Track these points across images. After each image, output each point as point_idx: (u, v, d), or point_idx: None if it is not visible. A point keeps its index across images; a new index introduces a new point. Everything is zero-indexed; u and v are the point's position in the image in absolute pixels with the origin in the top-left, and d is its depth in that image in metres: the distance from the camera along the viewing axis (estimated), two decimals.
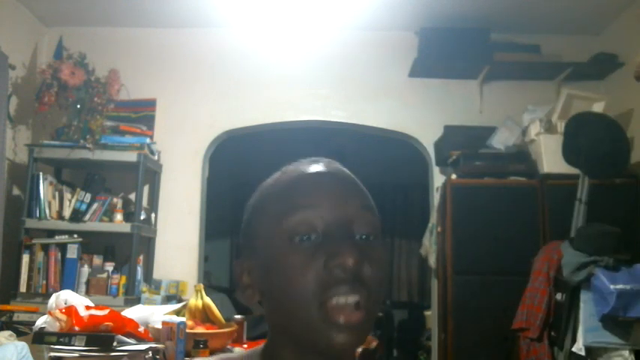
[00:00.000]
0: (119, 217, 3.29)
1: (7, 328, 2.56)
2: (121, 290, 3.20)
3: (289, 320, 0.65)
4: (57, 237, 3.27)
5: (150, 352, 2.02)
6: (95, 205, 3.27)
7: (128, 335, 2.12)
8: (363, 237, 0.67)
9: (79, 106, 3.30)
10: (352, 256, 0.63)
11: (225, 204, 5.94)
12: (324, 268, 0.64)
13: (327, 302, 0.63)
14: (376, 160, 5.72)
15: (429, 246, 3.40)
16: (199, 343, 2.05)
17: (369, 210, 0.69)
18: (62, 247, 3.26)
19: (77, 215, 3.24)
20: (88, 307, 2.18)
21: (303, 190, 0.67)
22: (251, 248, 0.71)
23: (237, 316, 2.55)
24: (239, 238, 0.75)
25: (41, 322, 2.20)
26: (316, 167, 0.71)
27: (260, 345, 0.74)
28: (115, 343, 2.03)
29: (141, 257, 3.40)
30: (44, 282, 3.18)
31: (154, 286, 3.40)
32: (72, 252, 3.25)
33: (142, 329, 2.19)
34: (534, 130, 3.25)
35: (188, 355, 2.04)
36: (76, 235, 3.25)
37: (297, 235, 0.65)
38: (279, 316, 0.68)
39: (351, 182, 0.72)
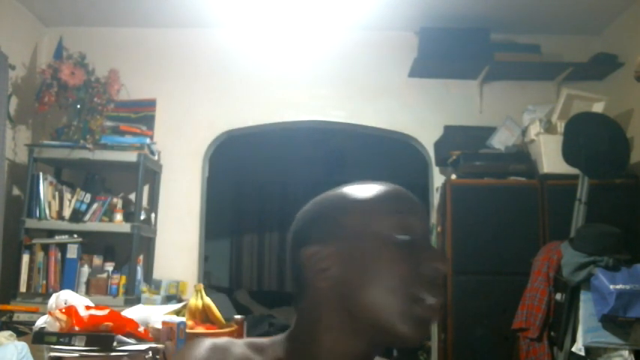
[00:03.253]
0: (119, 217, 3.29)
1: (7, 328, 2.56)
2: (121, 290, 3.21)
3: (371, 309, 0.71)
4: (57, 237, 3.27)
5: (150, 352, 2.02)
6: (95, 205, 3.27)
7: (128, 335, 2.11)
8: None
9: (79, 106, 3.30)
10: (445, 264, 0.73)
11: (225, 204, 5.94)
12: (421, 267, 0.72)
13: (420, 299, 0.71)
14: (376, 160, 5.72)
15: None
16: None
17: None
18: (62, 247, 3.26)
19: (77, 215, 3.24)
20: (88, 307, 2.18)
21: (401, 198, 0.77)
22: (333, 237, 0.75)
23: (237, 316, 2.54)
24: (309, 228, 0.78)
25: (41, 322, 2.19)
26: (397, 187, 0.80)
27: (282, 335, 0.78)
28: (115, 343, 2.03)
29: (141, 257, 3.40)
30: (44, 282, 3.18)
31: (154, 286, 3.40)
32: (72, 252, 3.25)
33: (142, 329, 2.19)
34: (534, 130, 3.25)
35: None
36: (76, 235, 3.25)
37: (399, 233, 0.73)
38: (354, 304, 0.72)
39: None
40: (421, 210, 0.77)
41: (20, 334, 2.48)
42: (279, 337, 0.78)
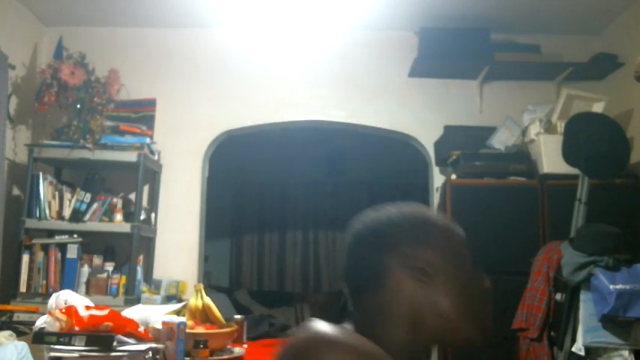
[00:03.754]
0: (119, 217, 3.29)
1: (7, 328, 2.56)
2: (121, 290, 3.21)
3: (455, 315, 0.82)
4: (57, 237, 3.27)
5: (150, 352, 2.02)
6: (95, 205, 3.27)
7: (128, 335, 2.11)
8: None
9: (79, 106, 3.30)
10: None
11: (225, 204, 5.94)
12: (485, 289, 0.89)
13: (489, 313, 0.87)
14: (376, 160, 5.72)
15: None
16: (199, 343, 2.05)
17: None
18: (62, 247, 3.26)
19: (77, 215, 3.24)
20: (88, 307, 2.18)
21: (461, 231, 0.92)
22: (430, 245, 0.84)
23: (237, 316, 2.55)
24: (397, 234, 0.85)
25: (41, 322, 2.19)
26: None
27: (349, 327, 0.82)
28: (115, 343, 2.03)
29: (141, 257, 3.40)
30: (44, 282, 3.18)
31: (154, 286, 3.40)
32: (72, 252, 3.25)
33: (142, 329, 2.19)
34: (534, 130, 3.25)
35: (188, 355, 2.04)
36: (76, 235, 3.25)
37: (469, 258, 0.89)
38: (441, 307, 0.82)
39: None
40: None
41: (20, 334, 2.48)
42: (347, 329, 0.81)
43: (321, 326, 0.74)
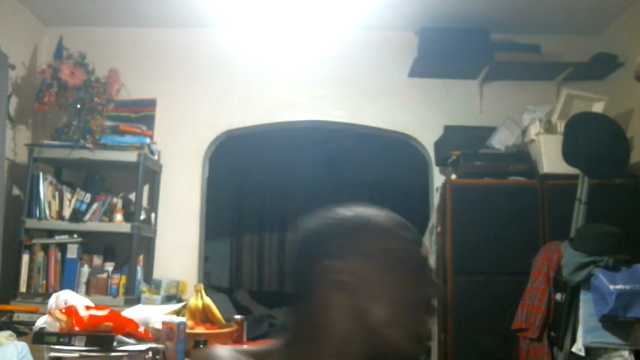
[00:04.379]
0: (119, 217, 3.29)
1: (7, 328, 2.56)
2: (121, 290, 3.21)
3: (384, 326, 0.77)
4: (57, 237, 3.27)
5: (150, 352, 2.02)
6: (95, 205, 3.27)
7: (128, 335, 2.12)
8: None
9: (79, 106, 3.30)
10: (441, 291, 0.87)
11: (225, 204, 5.94)
12: (424, 291, 0.81)
13: (424, 321, 0.80)
14: (376, 160, 5.72)
15: (429, 246, 3.40)
16: (199, 343, 2.05)
17: None
18: (62, 247, 3.26)
19: (77, 215, 3.24)
20: (88, 307, 2.18)
21: (410, 230, 0.85)
22: (357, 256, 0.79)
23: (237, 316, 2.55)
24: (327, 243, 0.81)
25: (41, 322, 2.20)
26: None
27: (277, 343, 0.80)
28: (115, 343, 2.03)
29: (141, 257, 3.40)
30: (44, 282, 3.18)
31: (154, 286, 3.40)
32: (72, 252, 3.25)
33: (142, 329, 2.19)
34: (534, 130, 3.25)
35: (188, 355, 2.04)
36: (76, 235, 3.25)
37: (411, 260, 0.80)
38: (367, 320, 0.77)
39: None
40: (421, 244, 0.85)
41: (20, 334, 2.48)
42: (275, 346, 0.80)
43: (215, 352, 0.76)
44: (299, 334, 0.79)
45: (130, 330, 2.14)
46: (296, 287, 0.83)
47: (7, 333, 2.41)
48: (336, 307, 0.77)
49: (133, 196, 3.44)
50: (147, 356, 2.00)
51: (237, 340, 2.39)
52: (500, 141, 3.38)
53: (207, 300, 2.41)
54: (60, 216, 3.25)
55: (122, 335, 2.09)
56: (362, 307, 0.76)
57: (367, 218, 0.82)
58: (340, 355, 0.77)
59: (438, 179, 3.60)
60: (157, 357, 2.02)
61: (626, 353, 2.34)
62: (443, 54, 3.53)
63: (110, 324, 2.08)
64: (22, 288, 3.13)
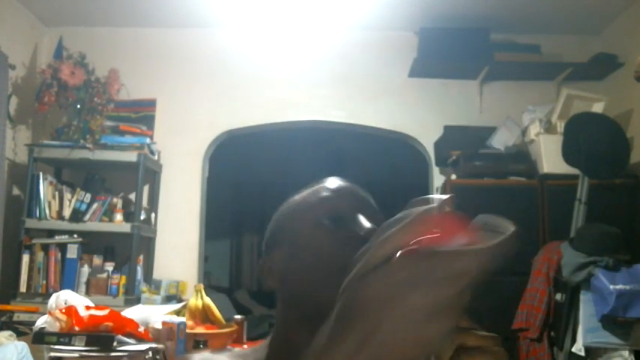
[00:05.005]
0: (119, 217, 3.29)
1: (7, 328, 2.56)
2: (121, 290, 3.20)
3: (309, 290, 0.72)
4: (57, 237, 3.27)
5: (150, 352, 2.02)
6: (95, 205, 3.27)
7: (128, 335, 2.12)
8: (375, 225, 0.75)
9: (79, 106, 3.30)
10: (371, 230, 0.70)
11: (225, 204, 5.94)
12: (347, 242, 0.70)
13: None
14: (376, 160, 5.72)
15: None
16: (199, 343, 2.05)
17: (377, 209, 0.80)
18: (62, 247, 3.26)
19: (77, 215, 3.24)
20: (88, 307, 2.18)
21: (330, 188, 0.79)
22: (279, 241, 0.79)
23: (237, 316, 2.55)
24: (264, 244, 0.82)
25: (41, 322, 2.20)
26: (334, 179, 0.82)
27: (265, 341, 0.79)
28: (115, 343, 2.03)
29: (141, 257, 3.40)
30: (44, 282, 3.18)
31: (154, 286, 3.40)
32: (72, 252, 3.25)
33: (142, 329, 2.19)
34: (534, 130, 3.25)
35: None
36: (76, 235, 3.25)
37: (325, 219, 0.74)
38: (298, 292, 0.74)
39: (365, 193, 0.83)
40: (355, 195, 0.79)
41: (20, 334, 2.48)
42: (261, 344, 0.80)
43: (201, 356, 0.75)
44: (274, 330, 0.80)
45: (130, 330, 2.14)
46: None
47: (7, 333, 2.41)
48: (280, 297, 0.77)
49: (133, 196, 3.44)
50: (147, 356, 2.00)
51: (237, 340, 2.39)
52: (500, 141, 3.37)
53: (207, 300, 2.41)
54: (60, 216, 3.25)
55: (122, 335, 2.09)
56: (291, 287, 0.75)
57: (287, 204, 0.81)
58: (301, 340, 0.73)
59: (438, 179, 3.60)
60: (157, 357, 2.02)
61: (626, 353, 2.34)
62: (443, 54, 3.53)
63: (110, 324, 2.08)
64: (22, 288, 3.13)
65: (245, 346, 2.38)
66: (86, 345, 2.00)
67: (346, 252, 0.68)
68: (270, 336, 0.79)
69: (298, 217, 0.78)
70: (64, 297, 2.29)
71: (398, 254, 0.43)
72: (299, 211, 0.78)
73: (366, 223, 0.74)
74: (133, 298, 3.18)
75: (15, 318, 2.79)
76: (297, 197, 0.82)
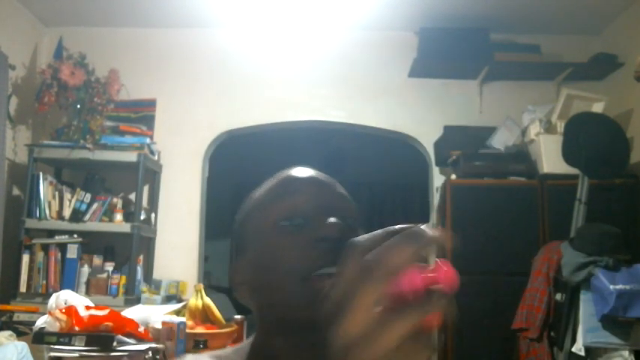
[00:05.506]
0: (119, 217, 3.29)
1: (7, 328, 2.56)
2: (121, 290, 3.21)
3: (276, 300, 0.68)
4: (57, 237, 3.27)
5: (150, 352, 2.02)
6: (95, 205, 3.27)
7: (128, 335, 2.12)
8: (343, 220, 0.70)
9: (79, 106, 3.30)
10: (337, 229, 0.66)
11: (225, 204, 5.93)
12: (310, 246, 0.66)
13: (312, 276, 0.65)
14: (376, 160, 5.72)
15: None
16: (199, 343, 2.05)
17: (346, 198, 0.76)
18: (62, 247, 3.26)
19: (77, 215, 3.24)
20: (88, 307, 2.18)
21: (288, 182, 0.75)
22: (243, 248, 0.75)
23: (237, 316, 2.55)
24: (231, 247, 0.79)
25: (41, 322, 2.20)
26: (297, 169, 0.79)
27: (247, 340, 0.77)
28: (115, 343, 2.03)
29: (141, 257, 3.40)
30: (44, 282, 3.18)
31: (154, 286, 3.40)
32: (72, 252, 3.25)
33: (142, 329, 2.19)
34: (534, 130, 3.25)
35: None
36: (76, 235, 3.25)
37: (284, 220, 0.69)
38: (267, 302, 0.71)
39: (327, 176, 0.79)
40: (317, 187, 0.74)
41: (20, 334, 2.48)
42: (242, 345, 0.78)
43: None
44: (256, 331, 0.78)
45: (130, 330, 2.14)
46: None
47: (7, 333, 2.41)
48: (252, 304, 0.74)
49: (133, 196, 3.44)
50: (147, 356, 2.00)
51: (237, 340, 2.39)
52: (500, 141, 3.37)
53: (207, 300, 2.41)
54: (60, 216, 3.25)
55: (122, 335, 2.09)
56: (258, 295, 0.71)
57: (245, 204, 0.77)
58: (275, 343, 0.71)
59: (438, 179, 3.60)
60: (157, 357, 2.02)
61: (626, 353, 2.34)
62: (443, 54, 3.54)
63: (110, 324, 2.08)
64: (22, 288, 3.13)
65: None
66: (86, 345, 2.00)
67: (311, 256, 0.66)
68: (252, 337, 0.77)
69: (256, 220, 0.73)
70: (64, 297, 2.29)
71: (381, 311, 0.44)
72: (256, 214, 0.73)
73: (329, 219, 0.68)
74: (133, 298, 3.18)
75: (15, 318, 2.79)
76: (256, 195, 0.76)
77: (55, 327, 2.09)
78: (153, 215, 3.57)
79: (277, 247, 0.68)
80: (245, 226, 0.75)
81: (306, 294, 0.65)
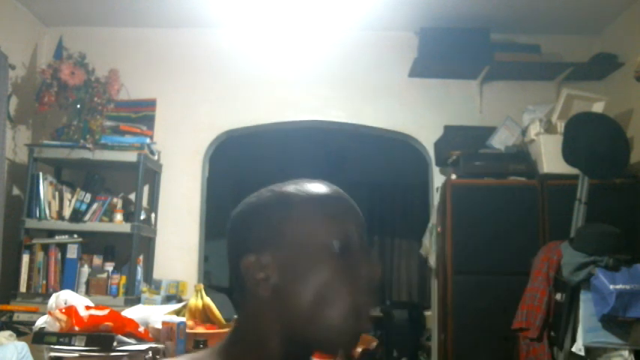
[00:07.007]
0: (119, 217, 3.29)
1: (7, 328, 2.56)
2: (121, 290, 3.21)
3: (310, 320, 0.69)
4: (57, 237, 3.27)
5: (150, 352, 2.02)
6: (95, 205, 3.27)
7: (128, 335, 2.11)
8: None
9: (79, 106, 3.30)
10: (380, 271, 0.72)
11: (225, 204, 5.93)
12: (363, 279, 0.71)
13: (361, 311, 0.70)
14: (376, 160, 5.72)
15: (429, 246, 3.40)
16: (199, 343, 2.05)
17: (364, 222, 0.78)
18: (62, 247, 3.26)
19: (77, 215, 3.24)
20: (88, 307, 2.18)
21: (340, 203, 0.75)
22: (272, 243, 0.72)
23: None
24: (246, 235, 0.75)
25: (41, 322, 2.20)
26: (335, 188, 0.78)
27: (219, 344, 0.75)
28: (115, 343, 2.03)
29: (141, 257, 3.40)
30: (44, 282, 3.18)
31: (154, 286, 3.40)
32: (72, 252, 3.25)
33: (142, 329, 2.19)
34: (534, 130, 3.25)
35: None
36: (76, 235, 3.25)
37: (337, 241, 0.71)
38: (294, 315, 0.70)
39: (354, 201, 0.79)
40: (359, 213, 0.76)
41: (20, 334, 2.48)
42: (216, 347, 0.76)
43: None
44: (236, 333, 0.75)
45: (130, 330, 2.14)
46: (232, 281, 0.79)
47: (7, 333, 2.41)
48: (265, 304, 0.72)
49: (133, 196, 3.44)
50: (147, 356, 2.00)
51: None
52: (500, 141, 3.38)
53: (207, 300, 2.41)
54: (60, 216, 3.25)
55: (122, 335, 2.09)
56: (286, 303, 0.70)
57: (288, 201, 0.73)
58: (275, 352, 0.71)
59: (438, 179, 3.60)
60: (157, 357, 2.02)
61: (626, 353, 2.34)
62: (443, 54, 3.53)
63: (110, 324, 2.08)
64: (22, 288, 3.13)
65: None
66: (86, 345, 2.00)
67: (364, 295, 0.70)
68: (227, 339, 0.75)
69: (302, 227, 0.71)
70: (64, 297, 2.29)
71: None
72: (303, 219, 0.72)
73: (374, 260, 0.72)
74: (133, 298, 3.18)
75: (15, 318, 2.79)
76: (296, 197, 0.74)
77: (55, 327, 2.09)
78: (153, 215, 3.57)
79: (324, 269, 0.69)
80: (282, 223, 0.72)
81: (352, 331, 0.69)
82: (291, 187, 0.75)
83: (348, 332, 0.69)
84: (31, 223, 3.21)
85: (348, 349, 0.70)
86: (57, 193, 3.28)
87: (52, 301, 2.29)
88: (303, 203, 0.73)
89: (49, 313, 2.16)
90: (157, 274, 3.51)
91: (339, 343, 0.69)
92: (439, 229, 3.25)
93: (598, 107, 3.27)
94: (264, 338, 0.72)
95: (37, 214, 3.21)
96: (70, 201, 3.27)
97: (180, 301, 3.19)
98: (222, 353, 0.74)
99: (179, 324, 2.06)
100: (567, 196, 2.85)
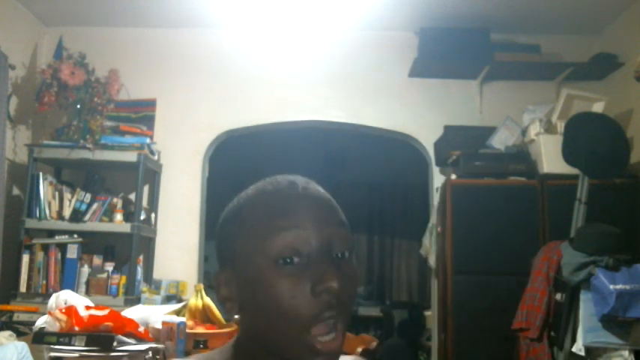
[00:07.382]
0: (119, 217, 3.29)
1: (7, 328, 2.56)
2: (121, 290, 3.21)
3: (271, 337, 0.68)
4: (57, 237, 3.27)
5: (150, 352, 2.02)
6: (95, 205, 3.27)
7: (128, 335, 2.12)
8: (339, 255, 0.69)
9: (79, 106, 3.30)
10: (337, 280, 0.65)
11: (225, 204, 5.93)
12: (312, 294, 0.66)
13: (312, 328, 0.66)
14: (376, 160, 5.72)
15: (429, 246, 3.40)
16: (199, 343, 2.05)
17: (343, 226, 0.72)
18: (62, 247, 3.26)
19: (77, 215, 3.24)
20: (88, 307, 2.18)
21: (285, 211, 0.68)
22: (231, 262, 0.72)
23: (237, 316, 2.55)
24: (217, 249, 0.76)
25: (41, 322, 2.20)
26: (294, 187, 0.71)
27: (230, 341, 0.77)
28: (115, 343, 2.03)
29: (141, 257, 3.40)
30: (44, 282, 3.18)
31: (154, 286, 3.40)
32: (72, 252, 3.25)
33: (142, 329, 2.19)
34: (534, 130, 3.25)
35: (188, 355, 2.04)
36: (76, 235, 3.25)
37: (282, 259, 0.66)
38: (259, 331, 0.70)
39: (326, 200, 0.73)
40: (312, 216, 0.68)
41: (20, 334, 2.48)
42: (226, 345, 0.77)
43: None
44: (239, 332, 0.77)
45: (130, 330, 2.14)
46: None
47: (7, 333, 2.41)
48: (240, 312, 0.73)
49: (133, 196, 3.44)
50: (147, 356, 2.00)
51: None
52: (500, 141, 3.38)
53: (207, 300, 2.41)
54: (60, 216, 3.25)
55: (122, 335, 2.09)
56: (247, 319, 0.71)
57: (238, 212, 0.72)
58: (252, 347, 0.72)
59: (438, 179, 3.60)
60: (157, 357, 2.02)
61: (626, 353, 2.34)
62: (443, 54, 3.54)
63: (110, 324, 2.08)
64: (22, 288, 3.13)
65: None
66: (86, 345, 2.00)
67: (313, 308, 0.66)
68: (235, 340, 0.76)
69: (249, 245, 0.68)
70: (64, 297, 2.29)
71: None
72: (249, 236, 0.69)
73: (329, 268, 0.66)
74: (133, 298, 3.18)
75: (15, 318, 2.79)
76: (248, 207, 0.71)
77: (55, 327, 2.09)
78: (153, 215, 3.57)
79: (279, 291, 0.66)
80: (235, 242, 0.71)
81: (303, 343, 0.66)
82: (245, 193, 0.74)
83: (307, 351, 0.66)
84: (31, 223, 3.21)
85: None
86: (57, 193, 3.28)
87: (52, 301, 2.30)
88: (250, 216, 0.70)
89: (49, 313, 2.16)
90: (156, 274, 3.51)
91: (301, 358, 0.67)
92: (439, 229, 3.25)
93: (598, 107, 3.27)
94: (245, 342, 0.74)
95: (37, 214, 3.21)
96: (70, 201, 3.27)
97: (180, 301, 3.19)
98: (232, 349, 0.76)
99: (179, 324, 2.06)
100: (567, 196, 2.85)
